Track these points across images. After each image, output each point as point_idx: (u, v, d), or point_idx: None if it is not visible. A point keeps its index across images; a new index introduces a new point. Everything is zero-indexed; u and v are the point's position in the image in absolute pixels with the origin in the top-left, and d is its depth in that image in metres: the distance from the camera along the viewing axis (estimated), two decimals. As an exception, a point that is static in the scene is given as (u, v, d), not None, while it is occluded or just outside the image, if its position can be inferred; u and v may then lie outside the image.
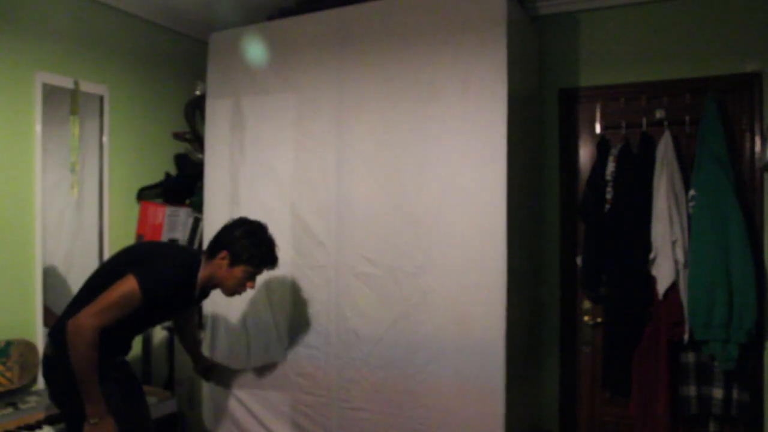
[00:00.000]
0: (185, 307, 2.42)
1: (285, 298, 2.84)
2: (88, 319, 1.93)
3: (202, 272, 2.18)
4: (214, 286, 2.24)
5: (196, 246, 3.24)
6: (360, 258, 2.63)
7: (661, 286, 2.69)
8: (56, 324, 2.12)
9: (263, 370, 2.88)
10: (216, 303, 3.04)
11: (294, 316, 2.82)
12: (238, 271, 2.17)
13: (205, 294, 2.33)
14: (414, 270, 2.52)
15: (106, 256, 3.01)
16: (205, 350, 3.09)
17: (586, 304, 3.04)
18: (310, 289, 2.76)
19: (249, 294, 2.92)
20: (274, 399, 2.85)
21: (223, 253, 2.17)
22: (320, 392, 2.72)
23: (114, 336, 2.04)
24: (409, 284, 2.53)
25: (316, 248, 2.74)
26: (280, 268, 2.83)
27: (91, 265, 2.96)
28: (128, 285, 1.97)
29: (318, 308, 2.74)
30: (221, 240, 2.20)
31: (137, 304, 1.98)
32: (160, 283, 2.04)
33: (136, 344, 3.13)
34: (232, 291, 2.23)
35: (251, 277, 2.22)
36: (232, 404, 2.97)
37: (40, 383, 2.61)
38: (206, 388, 3.04)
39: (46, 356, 2.11)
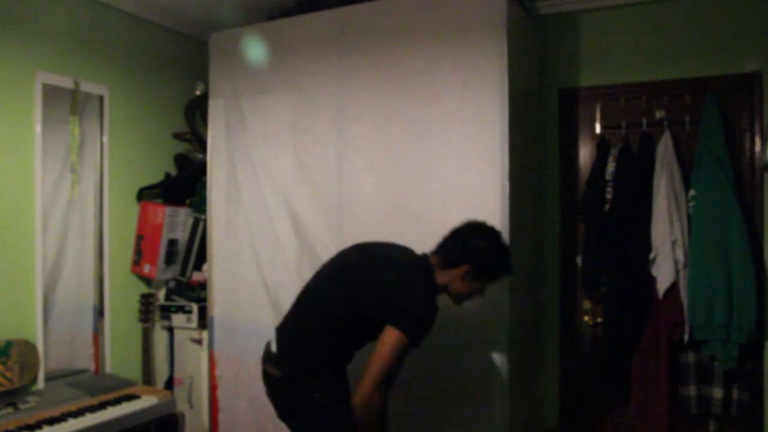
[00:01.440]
0: None
1: (288, 298, 2.83)
2: (373, 393, 1.88)
3: (437, 276, 2.03)
4: (444, 293, 2.08)
5: (196, 246, 3.24)
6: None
7: (661, 286, 2.69)
8: (288, 347, 2.07)
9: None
10: (218, 304, 3.04)
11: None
12: (478, 283, 2.03)
13: None
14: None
15: (106, 256, 3.01)
16: (205, 350, 3.09)
17: (586, 304, 3.04)
18: (311, 289, 2.76)
19: (250, 295, 2.93)
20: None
21: (466, 267, 1.99)
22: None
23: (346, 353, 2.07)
24: None
25: (318, 248, 2.74)
26: (283, 267, 2.86)
27: (91, 265, 2.96)
28: (394, 339, 1.86)
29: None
30: (463, 251, 2.01)
31: (406, 350, 1.90)
32: (422, 324, 1.91)
33: (137, 344, 3.14)
34: (463, 300, 2.08)
35: (486, 287, 2.08)
36: (234, 405, 2.97)
37: (40, 383, 2.61)
38: (206, 388, 3.05)
39: (273, 377, 2.06)
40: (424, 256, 2.08)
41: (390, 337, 1.86)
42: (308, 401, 1.99)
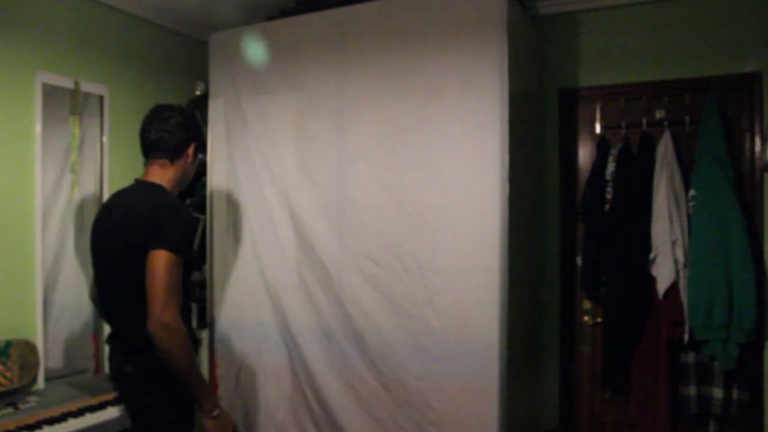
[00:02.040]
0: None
1: (287, 298, 2.84)
2: (166, 311, 1.81)
3: (169, 184, 2.08)
4: (178, 190, 2.17)
5: (196, 246, 3.24)
6: (363, 258, 2.63)
7: (661, 286, 2.69)
8: (119, 338, 2.04)
9: (265, 371, 2.88)
10: (217, 303, 3.04)
11: (298, 316, 2.81)
12: (191, 151, 2.16)
13: None
14: (418, 269, 2.52)
15: (106, 256, 3.00)
16: (205, 350, 3.09)
17: (586, 304, 3.04)
18: (314, 289, 2.76)
19: (251, 295, 2.93)
20: (276, 400, 2.85)
21: (192, 147, 2.14)
22: (326, 392, 2.72)
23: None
24: (414, 284, 2.53)
25: (319, 248, 2.74)
26: (284, 268, 2.86)
27: (89, 265, 2.96)
28: (163, 259, 1.84)
29: (323, 308, 2.73)
30: (185, 132, 2.11)
31: (181, 267, 1.89)
32: (183, 236, 1.93)
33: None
34: (186, 183, 2.22)
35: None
36: (234, 405, 2.97)
37: (40, 383, 2.61)
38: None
39: (125, 374, 1.99)
40: (141, 182, 2.12)
41: (157, 259, 1.83)
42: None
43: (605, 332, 2.92)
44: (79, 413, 2.34)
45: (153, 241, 1.86)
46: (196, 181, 3.29)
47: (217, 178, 3.07)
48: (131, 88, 3.15)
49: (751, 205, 2.71)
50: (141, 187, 2.10)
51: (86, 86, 2.87)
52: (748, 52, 2.73)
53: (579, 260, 3.00)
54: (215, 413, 1.91)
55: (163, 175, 2.09)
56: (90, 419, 2.33)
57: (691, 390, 2.73)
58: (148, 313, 1.82)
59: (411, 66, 2.57)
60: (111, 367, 2.07)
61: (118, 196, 2.14)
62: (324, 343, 2.73)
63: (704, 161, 2.65)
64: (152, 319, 1.81)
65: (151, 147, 2.10)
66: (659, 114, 2.86)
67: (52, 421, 2.25)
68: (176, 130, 2.09)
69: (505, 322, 2.38)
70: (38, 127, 2.66)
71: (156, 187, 2.05)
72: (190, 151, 2.14)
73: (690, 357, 2.74)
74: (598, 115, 3.04)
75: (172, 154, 2.09)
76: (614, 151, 2.90)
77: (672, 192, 2.70)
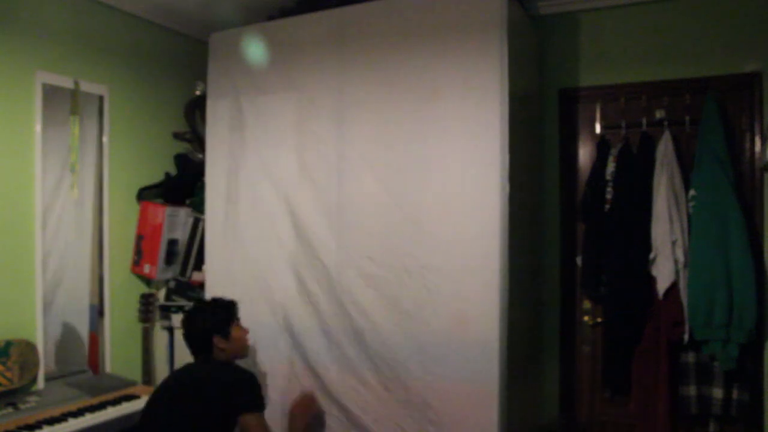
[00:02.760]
0: None
1: (287, 298, 2.84)
2: None
3: (230, 356, 2.41)
4: (235, 358, 2.45)
5: (196, 246, 3.24)
6: (363, 258, 2.63)
7: (661, 286, 2.69)
8: None
9: (265, 371, 2.88)
10: (216, 303, 3.04)
11: (298, 316, 2.81)
12: (235, 331, 2.42)
13: None
14: (418, 270, 2.52)
15: (106, 256, 3.00)
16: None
17: (586, 304, 3.04)
18: (314, 290, 2.76)
19: (250, 296, 2.93)
20: (277, 400, 2.85)
21: (216, 339, 2.36)
22: (325, 393, 2.72)
23: None
24: (413, 284, 2.53)
25: (319, 248, 2.74)
26: (283, 268, 2.86)
27: (91, 265, 2.96)
28: (259, 420, 2.17)
29: (322, 308, 2.73)
30: (205, 332, 2.37)
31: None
32: (258, 391, 2.24)
33: (137, 344, 3.14)
34: (244, 348, 2.50)
35: (239, 325, 2.47)
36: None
37: (40, 383, 2.61)
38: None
39: None
40: (212, 358, 2.39)
41: (254, 423, 2.15)
42: None
43: (605, 332, 2.92)
44: (79, 413, 2.34)
45: (239, 404, 2.17)
46: (196, 181, 3.29)
47: (217, 178, 3.06)
48: (131, 88, 3.15)
49: (751, 205, 2.71)
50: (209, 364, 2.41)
51: (86, 86, 2.87)
52: (748, 52, 2.73)
53: (579, 260, 3.00)
54: None
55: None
56: (90, 419, 2.33)
57: (691, 390, 2.73)
58: None
59: (411, 66, 2.56)
60: None
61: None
62: (323, 343, 2.73)
63: (704, 161, 2.65)
64: None
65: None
66: (659, 114, 2.86)
67: (52, 421, 2.25)
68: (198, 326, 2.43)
69: (505, 322, 2.38)
70: (38, 127, 2.66)
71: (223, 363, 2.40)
72: (219, 342, 2.39)
73: (690, 357, 2.74)
74: (598, 115, 3.04)
75: (204, 347, 2.41)
76: (614, 151, 2.90)
77: (672, 192, 2.70)
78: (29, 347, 2.56)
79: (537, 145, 3.04)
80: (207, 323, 2.37)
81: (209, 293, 3.06)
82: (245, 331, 2.49)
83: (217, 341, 2.36)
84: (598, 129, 3.04)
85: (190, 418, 2.16)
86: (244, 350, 2.49)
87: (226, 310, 2.45)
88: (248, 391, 2.20)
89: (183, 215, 3.25)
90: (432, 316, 2.49)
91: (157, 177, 3.30)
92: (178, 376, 2.39)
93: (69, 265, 2.87)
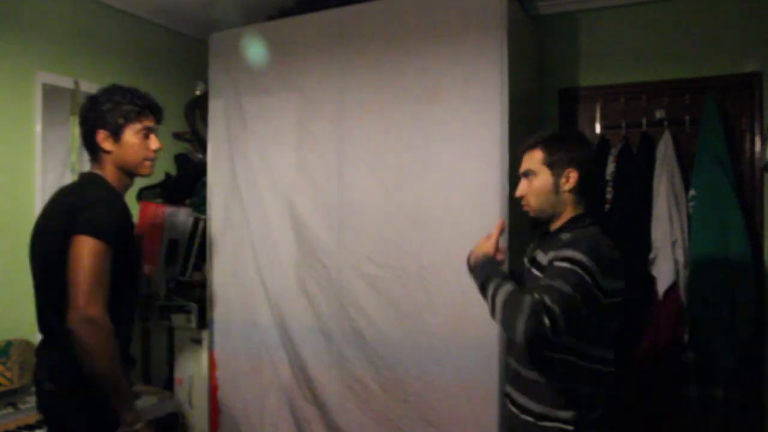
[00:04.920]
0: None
1: (288, 299, 2.84)
2: (91, 304, 1.61)
3: (108, 176, 1.85)
4: (130, 177, 1.93)
5: (196, 246, 3.24)
6: (363, 258, 2.63)
7: (661, 286, 2.69)
8: (42, 350, 1.82)
9: (265, 372, 2.88)
10: (218, 304, 3.04)
11: (297, 317, 2.81)
12: (128, 137, 1.84)
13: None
14: (418, 270, 2.52)
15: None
16: (205, 350, 3.09)
17: (586, 304, 3.03)
18: (314, 290, 2.76)
19: (250, 296, 2.93)
20: (278, 400, 2.85)
21: (101, 134, 1.82)
22: (325, 393, 2.72)
23: (118, 325, 1.74)
24: (413, 285, 2.53)
25: (319, 249, 2.74)
26: (283, 268, 2.86)
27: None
28: (86, 245, 1.65)
29: (322, 309, 2.73)
30: (89, 126, 1.84)
31: (109, 257, 1.69)
32: (106, 218, 1.72)
33: (137, 344, 3.14)
34: (142, 161, 1.89)
35: (147, 134, 1.89)
36: (234, 406, 2.97)
37: (40, 383, 2.61)
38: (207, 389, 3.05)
39: (47, 392, 1.77)
40: (89, 172, 1.91)
41: (79, 245, 1.65)
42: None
43: (605, 332, 2.92)
44: (79, 413, 2.34)
45: (76, 226, 1.67)
46: (196, 181, 3.29)
47: (217, 178, 3.06)
48: (131, 88, 3.15)
49: (751, 205, 2.71)
50: (80, 176, 1.96)
51: (86, 86, 2.87)
52: (748, 52, 2.73)
53: (579, 260, 3.00)
54: (137, 427, 1.69)
55: (99, 167, 1.88)
56: (90, 419, 2.33)
57: (691, 390, 2.73)
58: (69, 306, 1.62)
59: (411, 66, 2.57)
60: (34, 383, 1.87)
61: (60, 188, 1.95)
62: (323, 343, 2.73)
63: (704, 161, 2.65)
64: (73, 312, 1.61)
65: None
66: (659, 114, 2.86)
67: (52, 421, 2.24)
68: (82, 121, 1.87)
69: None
70: (38, 127, 2.66)
71: (91, 175, 1.88)
72: (100, 138, 1.83)
73: (690, 357, 2.74)
74: (598, 115, 3.04)
75: (87, 148, 1.88)
76: (614, 151, 2.90)
77: (672, 192, 2.70)
78: (29, 347, 2.56)
79: (537, 145, 3.03)
80: (93, 110, 1.83)
81: (211, 294, 3.06)
82: (152, 143, 1.91)
83: (102, 139, 1.82)
84: (598, 129, 3.04)
85: (43, 244, 1.80)
86: (139, 166, 1.90)
87: (130, 100, 1.87)
88: (90, 212, 1.71)
89: (183, 215, 3.25)
90: (431, 317, 2.49)
91: (157, 177, 3.29)
92: (54, 195, 1.90)
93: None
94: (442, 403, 2.46)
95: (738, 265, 2.55)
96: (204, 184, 3.16)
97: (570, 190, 1.70)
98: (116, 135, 1.84)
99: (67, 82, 2.79)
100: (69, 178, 2.81)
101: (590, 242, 1.59)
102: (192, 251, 3.25)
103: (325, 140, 2.75)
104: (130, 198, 3.17)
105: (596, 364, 1.62)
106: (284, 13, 3.06)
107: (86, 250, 1.65)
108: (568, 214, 1.72)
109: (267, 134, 2.91)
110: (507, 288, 1.59)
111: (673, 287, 2.68)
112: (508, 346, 1.83)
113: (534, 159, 1.75)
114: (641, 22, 2.92)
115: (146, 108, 1.91)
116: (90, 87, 2.89)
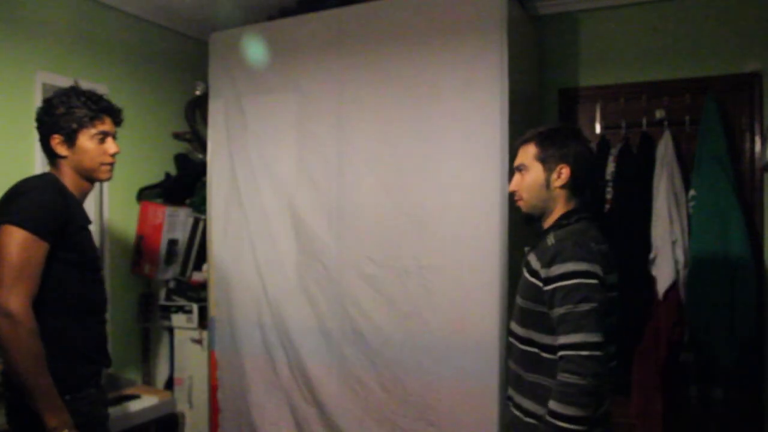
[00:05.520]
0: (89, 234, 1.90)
1: (286, 299, 2.84)
2: (10, 296, 1.55)
3: (66, 179, 1.80)
4: (90, 182, 1.87)
5: (196, 246, 3.24)
6: (363, 258, 2.63)
7: (661, 286, 2.69)
8: None
9: (265, 372, 2.88)
10: (217, 303, 3.04)
11: (297, 317, 2.81)
12: (83, 142, 1.80)
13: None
14: (418, 270, 2.52)
15: (107, 255, 3.01)
16: (205, 350, 3.09)
17: (586, 304, 3.03)
18: (314, 290, 2.76)
19: (250, 296, 2.93)
20: (278, 400, 2.85)
21: (55, 139, 1.78)
22: (325, 393, 2.72)
23: (71, 324, 1.71)
24: (413, 284, 2.53)
25: (319, 249, 2.74)
26: (283, 268, 2.86)
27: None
28: (10, 235, 1.59)
29: (322, 309, 2.73)
30: (43, 131, 1.81)
31: (39, 250, 1.62)
32: (36, 208, 1.65)
33: (137, 344, 3.14)
34: (98, 166, 1.83)
35: (103, 139, 1.83)
36: (234, 406, 2.97)
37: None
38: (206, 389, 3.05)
39: None
40: (46, 173, 1.87)
41: (5, 237, 1.59)
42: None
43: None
44: (79, 413, 2.33)
45: (2, 216, 1.63)
46: (196, 181, 3.29)
47: (216, 178, 3.06)
48: (131, 88, 3.15)
49: (751, 205, 2.71)
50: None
51: (86, 86, 2.85)
52: (748, 52, 2.73)
53: (579, 260, 3.00)
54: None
55: (57, 170, 1.83)
56: (90, 419, 2.32)
57: (691, 390, 2.73)
58: None
59: (411, 66, 2.56)
60: None
61: None
62: (323, 343, 2.72)
63: (704, 161, 2.65)
64: None
65: None
66: (659, 114, 2.86)
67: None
68: (38, 129, 1.83)
69: (505, 322, 2.37)
70: (38, 127, 2.65)
71: (44, 174, 1.85)
72: (54, 143, 1.79)
73: (690, 357, 2.74)
74: (598, 115, 3.04)
75: (45, 153, 1.85)
76: (614, 151, 2.90)
77: (672, 192, 2.70)
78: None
79: (537, 145, 3.03)
80: (47, 114, 1.80)
81: (211, 293, 3.06)
82: (109, 148, 1.85)
83: (56, 144, 1.78)
84: (598, 129, 3.04)
85: None
86: (96, 171, 1.84)
87: (84, 104, 1.82)
88: (18, 202, 1.65)
89: (183, 215, 3.25)
90: (432, 317, 2.49)
91: (157, 177, 3.30)
92: None
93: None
94: (442, 403, 2.46)
95: (738, 265, 2.55)
96: (204, 184, 3.16)
97: (561, 186, 1.70)
98: (70, 140, 1.79)
99: (67, 82, 2.75)
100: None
101: (577, 244, 1.58)
102: (192, 251, 3.25)
103: (325, 140, 2.75)
104: (130, 198, 3.18)
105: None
106: (284, 13, 3.06)
107: (10, 240, 1.59)
108: (559, 211, 1.72)
109: (267, 134, 2.91)
110: (556, 400, 1.52)
111: (673, 287, 2.68)
112: (508, 348, 1.82)
113: (528, 153, 1.75)
114: (641, 22, 2.92)
115: (101, 112, 1.86)
116: (90, 87, 2.89)
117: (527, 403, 1.68)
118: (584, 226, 1.67)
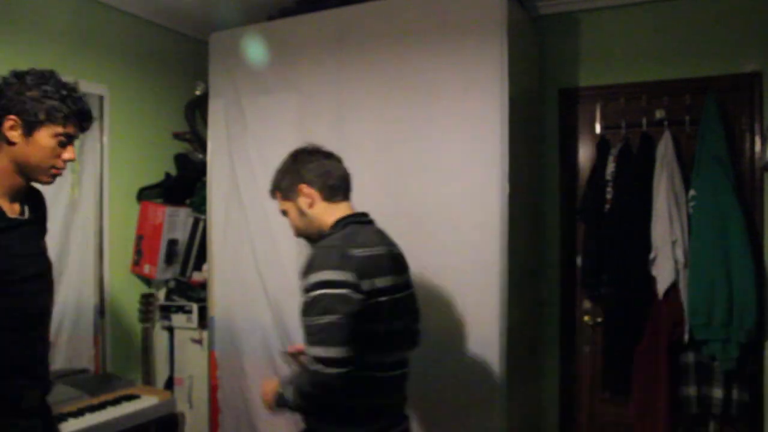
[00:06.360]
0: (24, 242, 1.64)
1: (286, 299, 2.83)
2: None
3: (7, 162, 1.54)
4: (25, 180, 1.60)
5: (196, 246, 3.24)
6: (361, 258, 2.63)
7: (661, 286, 2.69)
8: None
9: (265, 372, 2.88)
10: (218, 304, 3.04)
11: (295, 317, 2.80)
12: (42, 137, 1.53)
13: (34, 205, 1.69)
14: (418, 270, 2.51)
15: (106, 256, 3.01)
16: (205, 350, 3.09)
17: (586, 304, 3.04)
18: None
19: (250, 296, 2.93)
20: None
21: (9, 121, 1.51)
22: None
23: None
24: (413, 285, 2.52)
25: (317, 248, 2.74)
26: (283, 268, 2.86)
27: (91, 265, 2.96)
28: None
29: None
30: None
31: None
32: None
33: (137, 344, 3.14)
34: (46, 170, 1.57)
35: (64, 143, 1.58)
36: (234, 406, 2.97)
37: (40, 383, 2.60)
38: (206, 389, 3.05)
39: None
40: None
41: None
42: None
43: (605, 332, 2.92)
44: (79, 413, 2.34)
45: None
46: (196, 181, 3.29)
47: (216, 177, 3.06)
48: (131, 88, 3.15)
49: (751, 205, 2.71)
50: None
51: (86, 86, 2.87)
52: (748, 52, 2.73)
53: (579, 260, 3.00)
54: None
55: None
56: (90, 419, 2.33)
57: (691, 390, 2.72)
58: None
59: (411, 66, 2.56)
60: None
61: None
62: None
63: (704, 161, 2.65)
64: None
65: None
66: (659, 114, 2.86)
67: (52, 421, 2.24)
68: None
69: (505, 322, 2.38)
70: (38, 127, 2.65)
71: None
72: (6, 125, 1.53)
73: (690, 357, 2.74)
74: (598, 115, 3.04)
75: None
76: (614, 151, 2.90)
77: (672, 192, 2.70)
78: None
79: (537, 145, 3.03)
80: (11, 89, 1.52)
81: (211, 293, 3.06)
82: (66, 153, 1.59)
83: (9, 127, 1.51)
84: (598, 129, 3.04)
85: None
86: (42, 173, 1.58)
87: (63, 99, 1.55)
88: None
89: (183, 215, 3.25)
90: (431, 316, 2.49)
91: (157, 177, 3.30)
92: None
93: (69, 265, 2.87)
94: (442, 403, 2.46)
95: (738, 265, 2.55)
96: (204, 184, 3.16)
97: (310, 205, 1.73)
98: (29, 130, 1.53)
99: (67, 82, 2.78)
100: (69, 178, 2.81)
101: (328, 252, 1.58)
102: (192, 251, 3.25)
103: (325, 140, 2.72)
104: (130, 198, 3.18)
105: (369, 371, 1.60)
106: (284, 13, 3.06)
107: None
108: (328, 224, 1.73)
109: (267, 134, 2.91)
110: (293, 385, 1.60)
111: (673, 287, 2.68)
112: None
113: (279, 202, 1.81)
114: (641, 22, 2.92)
115: (77, 115, 1.60)
116: (90, 87, 2.89)
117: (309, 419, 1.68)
118: (351, 231, 1.67)
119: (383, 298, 1.59)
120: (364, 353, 1.56)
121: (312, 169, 1.75)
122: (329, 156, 1.83)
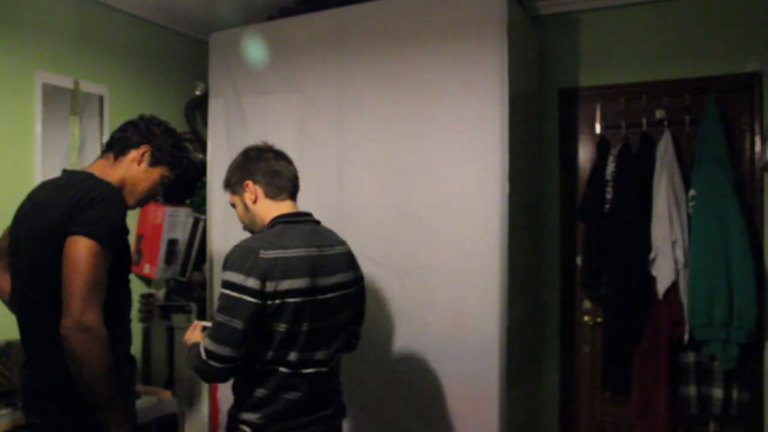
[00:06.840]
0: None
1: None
2: (87, 310, 1.53)
3: (112, 176, 1.80)
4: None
5: (196, 246, 3.24)
6: (363, 258, 2.61)
7: (661, 286, 2.69)
8: (33, 353, 1.77)
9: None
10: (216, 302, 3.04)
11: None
12: (156, 173, 1.87)
13: None
14: (418, 270, 2.52)
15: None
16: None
17: (586, 304, 3.04)
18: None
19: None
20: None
21: (144, 149, 1.83)
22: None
23: (119, 328, 1.73)
24: (413, 285, 2.53)
25: (317, 248, 2.74)
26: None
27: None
28: (83, 247, 1.56)
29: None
30: (138, 134, 1.85)
31: (106, 260, 1.62)
32: (106, 220, 1.63)
33: (137, 344, 3.13)
34: (141, 198, 1.88)
35: (163, 182, 1.91)
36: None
37: (40, 383, 2.60)
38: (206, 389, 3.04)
39: (35, 393, 1.74)
40: (87, 173, 1.83)
41: (75, 246, 1.57)
42: None
43: (605, 332, 2.92)
44: (79, 413, 2.34)
45: (72, 226, 1.59)
46: (196, 181, 3.29)
47: (216, 177, 3.06)
48: (131, 88, 3.15)
49: (751, 205, 2.71)
50: (71, 174, 1.83)
51: (86, 86, 2.87)
52: (748, 52, 2.73)
53: (579, 260, 3.00)
54: None
55: (103, 168, 1.82)
56: (90, 419, 2.32)
57: (691, 390, 2.73)
58: (63, 312, 1.54)
59: (411, 66, 2.56)
60: (22, 386, 1.83)
61: (43, 183, 1.89)
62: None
63: (704, 161, 2.65)
64: (68, 319, 1.53)
65: (107, 144, 1.91)
66: (659, 114, 2.86)
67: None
68: (131, 129, 1.88)
69: (505, 322, 2.38)
70: (38, 127, 2.66)
71: (89, 175, 1.79)
72: (136, 154, 1.84)
73: (690, 357, 2.74)
74: (598, 115, 3.04)
75: (117, 147, 1.85)
76: (614, 151, 2.90)
77: (672, 192, 2.70)
78: (29, 347, 2.55)
79: (537, 145, 3.03)
80: (158, 129, 1.93)
81: (211, 293, 3.06)
82: (159, 192, 1.96)
83: (145, 155, 1.87)
84: (598, 129, 3.04)
85: (33, 243, 1.70)
86: (137, 198, 1.88)
87: (180, 151, 1.96)
88: (90, 212, 1.62)
89: (183, 215, 3.25)
90: (431, 316, 2.49)
91: (157, 177, 3.29)
92: (38, 192, 1.84)
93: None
94: (442, 403, 2.46)
95: (738, 265, 2.55)
96: (204, 184, 3.16)
97: (254, 201, 1.79)
98: (154, 163, 1.86)
99: (67, 82, 2.78)
100: (69, 178, 2.80)
101: (241, 251, 1.63)
102: (192, 251, 3.25)
103: (325, 140, 2.75)
104: (130, 198, 3.17)
105: (272, 365, 1.65)
106: (284, 13, 3.06)
107: (83, 253, 1.56)
108: (266, 222, 1.78)
109: (267, 134, 2.88)
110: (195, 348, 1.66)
111: (673, 287, 2.68)
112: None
113: (229, 195, 1.88)
114: (641, 22, 2.92)
115: (181, 164, 1.97)
116: (90, 87, 2.90)
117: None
118: (277, 231, 1.71)
119: (291, 300, 1.63)
120: (265, 350, 1.63)
121: (260, 167, 1.80)
122: (279, 155, 1.86)
